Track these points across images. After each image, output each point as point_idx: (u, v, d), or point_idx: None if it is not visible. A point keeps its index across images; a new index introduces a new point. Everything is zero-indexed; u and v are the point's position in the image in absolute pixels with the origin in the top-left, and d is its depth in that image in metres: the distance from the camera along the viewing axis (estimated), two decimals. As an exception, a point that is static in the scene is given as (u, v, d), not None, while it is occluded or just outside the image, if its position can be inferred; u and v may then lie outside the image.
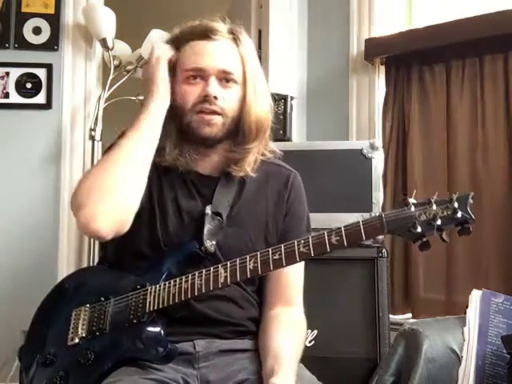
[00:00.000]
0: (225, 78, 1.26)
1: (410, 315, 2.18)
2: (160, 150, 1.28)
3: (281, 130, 2.05)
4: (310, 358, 1.41)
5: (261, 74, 1.33)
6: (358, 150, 1.86)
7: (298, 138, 2.51)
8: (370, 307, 1.75)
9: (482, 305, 1.54)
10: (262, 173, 1.34)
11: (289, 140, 2.08)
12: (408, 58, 2.25)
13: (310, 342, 1.75)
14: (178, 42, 1.29)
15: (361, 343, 1.74)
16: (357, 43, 2.42)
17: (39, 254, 2.38)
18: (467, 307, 1.56)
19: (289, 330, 1.25)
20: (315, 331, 1.75)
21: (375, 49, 2.33)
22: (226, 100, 1.25)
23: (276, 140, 1.78)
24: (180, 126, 1.28)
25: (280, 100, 2.06)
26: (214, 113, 1.24)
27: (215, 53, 1.25)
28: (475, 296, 1.56)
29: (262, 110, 1.30)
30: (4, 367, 2.25)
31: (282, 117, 2.05)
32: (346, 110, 2.44)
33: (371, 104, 2.38)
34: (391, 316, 1.87)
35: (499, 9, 2.00)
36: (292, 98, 2.13)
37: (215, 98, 1.23)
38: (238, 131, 1.29)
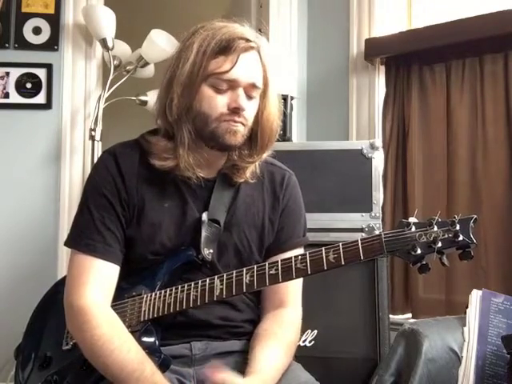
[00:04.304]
0: (252, 90, 1.23)
1: (410, 315, 2.18)
2: (162, 153, 1.25)
3: (281, 130, 2.04)
4: (309, 358, 1.42)
5: (277, 83, 1.31)
6: (357, 150, 1.86)
7: (298, 137, 2.51)
8: (370, 307, 1.75)
9: (482, 305, 1.54)
10: (258, 173, 1.33)
11: (289, 140, 2.08)
12: (408, 58, 2.25)
13: (310, 342, 1.75)
14: (207, 44, 1.21)
15: (361, 343, 1.74)
16: (357, 43, 2.42)
17: (39, 253, 2.38)
18: (467, 307, 1.55)
19: (273, 337, 1.24)
20: (315, 331, 1.75)
21: (375, 49, 2.33)
22: (249, 111, 1.24)
23: (276, 140, 1.78)
24: (198, 131, 1.24)
25: (280, 100, 2.05)
26: (240, 123, 1.23)
27: (247, 65, 1.21)
28: (475, 296, 1.56)
29: (277, 120, 1.31)
30: (4, 367, 2.25)
31: (282, 117, 2.04)
32: (346, 109, 2.44)
33: (371, 104, 2.38)
34: (391, 316, 1.87)
35: (499, 9, 2.00)
36: (292, 98, 2.13)
37: (243, 110, 1.22)
38: (252, 139, 1.29)
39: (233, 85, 1.21)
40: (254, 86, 1.23)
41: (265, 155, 1.33)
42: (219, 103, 1.21)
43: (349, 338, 1.75)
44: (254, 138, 1.29)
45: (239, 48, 1.20)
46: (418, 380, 1.41)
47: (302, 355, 1.33)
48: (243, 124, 1.23)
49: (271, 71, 1.27)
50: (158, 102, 1.28)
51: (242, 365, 1.24)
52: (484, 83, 2.07)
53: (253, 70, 1.23)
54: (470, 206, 2.04)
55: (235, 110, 1.21)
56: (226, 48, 1.20)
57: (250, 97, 1.24)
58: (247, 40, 1.21)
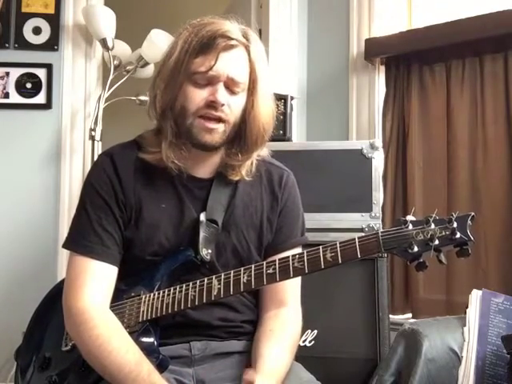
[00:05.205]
0: (232, 85, 1.23)
1: (410, 315, 2.18)
2: (149, 147, 1.26)
3: (281, 130, 2.05)
4: (310, 358, 1.42)
5: (269, 80, 1.30)
6: (358, 149, 1.85)
7: (298, 137, 2.51)
8: (370, 307, 1.75)
9: (482, 305, 1.54)
10: (256, 172, 1.33)
11: (289, 140, 2.07)
12: (408, 58, 2.25)
13: (310, 342, 1.75)
14: (189, 41, 1.22)
15: (361, 343, 1.74)
16: (357, 43, 2.42)
17: (39, 254, 2.38)
18: (467, 307, 1.55)
19: (279, 337, 1.24)
20: (315, 331, 1.75)
21: (375, 49, 2.33)
22: (231, 107, 1.23)
23: (276, 140, 1.78)
24: (178, 127, 1.25)
25: (280, 100, 2.05)
26: (218, 120, 1.22)
27: (228, 60, 1.21)
28: (475, 296, 1.56)
29: (267, 119, 1.29)
30: (4, 367, 2.25)
31: (281, 117, 2.04)
32: (346, 110, 2.44)
33: (371, 104, 2.38)
34: (391, 316, 1.87)
35: (499, 9, 2.00)
36: (292, 98, 2.13)
37: (222, 105, 1.21)
38: (240, 137, 1.28)
39: (212, 80, 1.22)
40: (233, 80, 1.22)
41: (256, 153, 1.31)
42: (198, 97, 1.21)
43: (349, 338, 1.75)
44: (243, 137, 1.28)
45: (220, 47, 1.20)
46: (418, 380, 1.41)
47: (302, 355, 1.32)
48: (222, 121, 1.22)
49: (262, 69, 1.26)
50: (148, 96, 1.31)
51: (241, 365, 1.24)
52: (484, 83, 2.07)
53: (233, 66, 1.22)
54: (470, 206, 2.04)
55: (212, 104, 1.21)
56: (207, 46, 1.20)
57: (232, 92, 1.23)
58: (229, 38, 1.21)
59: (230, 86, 1.23)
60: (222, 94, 1.21)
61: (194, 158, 1.28)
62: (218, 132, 1.23)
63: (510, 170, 2.00)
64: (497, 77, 2.04)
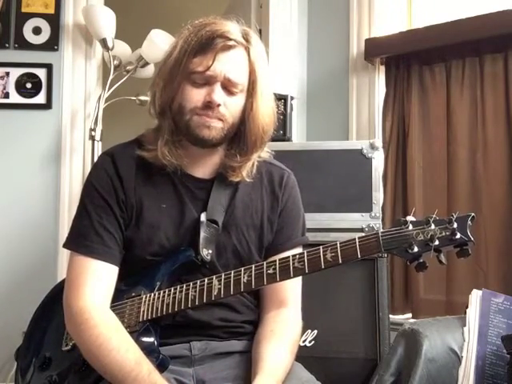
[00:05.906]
0: (230, 86, 1.23)
1: (410, 315, 2.18)
2: (148, 145, 1.27)
3: (281, 130, 2.05)
4: (310, 358, 1.42)
5: (269, 81, 1.30)
6: (357, 150, 1.85)
7: (298, 138, 2.51)
8: (370, 307, 1.75)
9: (482, 305, 1.54)
10: (256, 172, 1.33)
11: (289, 140, 2.07)
12: (408, 58, 2.25)
13: (310, 342, 1.75)
14: (189, 41, 1.23)
15: (361, 343, 1.74)
16: (357, 43, 2.42)
17: (39, 253, 2.38)
18: (467, 307, 1.55)
19: (279, 337, 1.24)
20: (315, 331, 1.75)
21: (375, 49, 2.33)
22: (229, 107, 1.24)
23: (276, 140, 1.78)
24: (176, 124, 1.25)
25: (280, 100, 2.05)
26: (215, 118, 1.23)
27: (225, 61, 1.22)
28: (475, 296, 1.56)
29: (267, 120, 1.29)
30: (4, 367, 2.25)
31: (281, 117, 2.05)
32: (346, 110, 2.44)
33: (371, 104, 2.38)
34: (391, 316, 1.87)
35: (499, 9, 2.00)
36: (292, 98, 2.13)
37: (218, 105, 1.22)
38: (240, 138, 1.28)
39: (209, 80, 1.22)
40: (230, 81, 1.23)
41: (255, 155, 1.31)
42: (195, 97, 1.22)
43: (349, 338, 1.75)
44: (242, 138, 1.28)
45: (218, 47, 1.21)
46: (418, 380, 1.41)
47: (302, 355, 1.32)
48: (220, 119, 1.23)
49: (262, 70, 1.27)
50: (149, 93, 1.31)
51: (241, 365, 1.24)
52: (484, 83, 2.07)
53: (231, 66, 1.23)
54: (470, 206, 2.04)
55: (208, 104, 1.21)
56: (206, 46, 1.21)
57: (230, 92, 1.24)
58: (228, 38, 1.21)
59: (228, 86, 1.23)
60: (218, 94, 1.22)
61: (190, 156, 1.28)
62: (215, 128, 1.23)
63: (510, 170, 2.00)
64: (497, 77, 2.04)
